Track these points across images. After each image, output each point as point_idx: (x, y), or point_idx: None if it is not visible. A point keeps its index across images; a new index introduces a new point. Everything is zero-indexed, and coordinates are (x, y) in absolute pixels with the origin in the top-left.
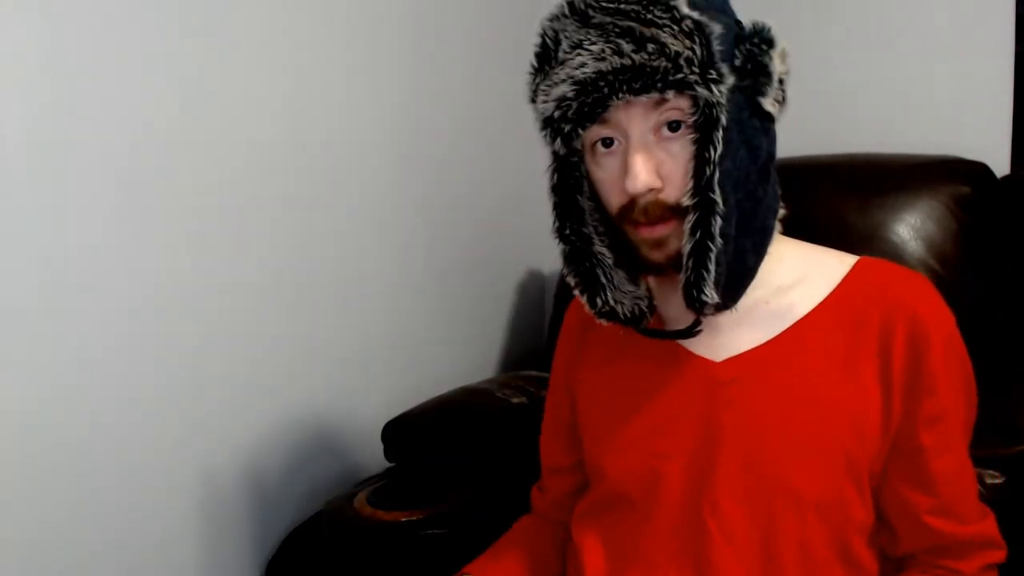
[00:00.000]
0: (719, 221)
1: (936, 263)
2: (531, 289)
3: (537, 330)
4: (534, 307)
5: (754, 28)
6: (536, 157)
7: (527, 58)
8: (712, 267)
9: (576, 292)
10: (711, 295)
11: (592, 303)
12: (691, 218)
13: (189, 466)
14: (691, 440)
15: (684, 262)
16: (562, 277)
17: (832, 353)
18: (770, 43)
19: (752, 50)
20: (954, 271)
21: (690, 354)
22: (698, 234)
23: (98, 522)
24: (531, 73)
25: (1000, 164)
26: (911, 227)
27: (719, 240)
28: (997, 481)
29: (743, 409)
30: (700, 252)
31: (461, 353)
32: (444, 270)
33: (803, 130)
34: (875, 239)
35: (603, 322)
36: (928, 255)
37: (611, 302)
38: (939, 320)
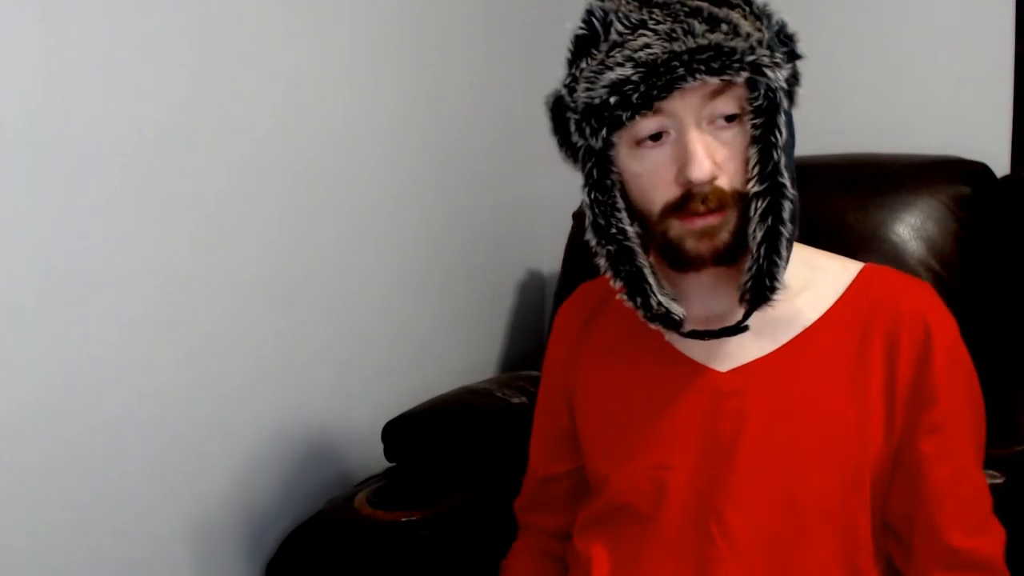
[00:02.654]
0: (789, 206)
1: (936, 263)
2: (531, 289)
3: (537, 330)
4: (534, 307)
5: (779, 22)
6: (536, 158)
7: (528, 58)
8: (785, 252)
9: (624, 297)
10: (782, 282)
11: (647, 306)
12: (761, 204)
13: (189, 466)
14: (696, 451)
15: (755, 251)
16: (562, 277)
17: (838, 363)
18: (794, 36)
19: (788, 41)
20: (954, 271)
21: (695, 363)
22: (770, 219)
23: (97, 522)
24: (570, 59)
25: (1000, 164)
26: (911, 227)
27: (790, 225)
28: (997, 481)
29: (748, 420)
30: (773, 238)
31: (461, 353)
32: (444, 270)
33: (803, 130)
34: (875, 239)
35: (656, 326)
36: (928, 255)
37: (665, 304)
38: (943, 329)
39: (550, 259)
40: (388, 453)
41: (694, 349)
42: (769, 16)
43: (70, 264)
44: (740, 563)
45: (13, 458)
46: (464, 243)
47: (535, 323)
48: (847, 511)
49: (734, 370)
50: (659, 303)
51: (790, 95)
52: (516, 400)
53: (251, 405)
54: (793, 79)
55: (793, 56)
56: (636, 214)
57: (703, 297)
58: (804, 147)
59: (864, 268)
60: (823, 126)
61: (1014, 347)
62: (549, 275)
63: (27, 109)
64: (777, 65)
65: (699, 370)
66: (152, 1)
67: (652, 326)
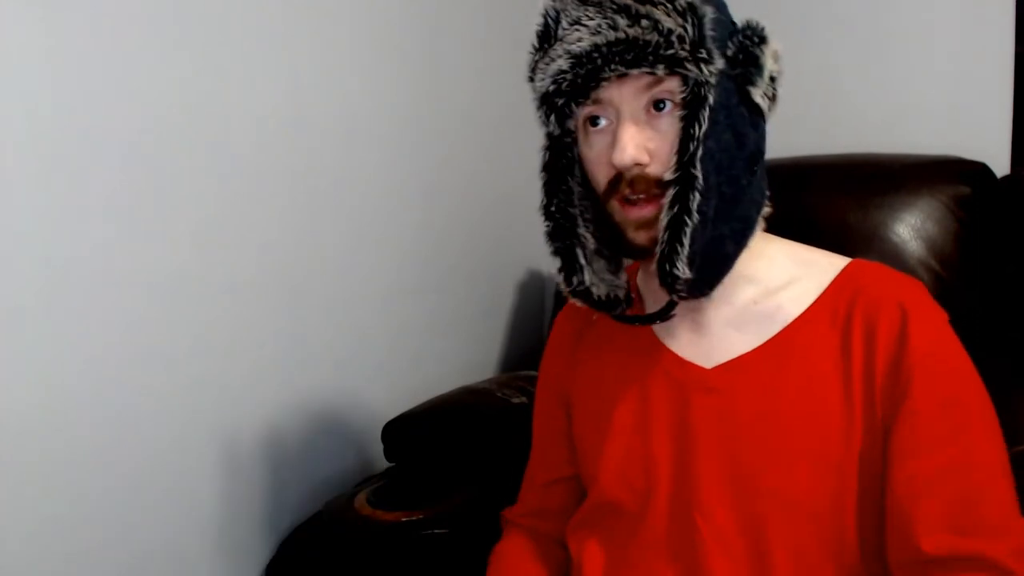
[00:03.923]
0: (698, 197)
1: (936, 263)
2: (531, 289)
3: (537, 330)
4: (534, 307)
5: (748, 24)
6: (537, 157)
7: (527, 57)
8: (687, 242)
9: (554, 270)
10: (683, 270)
11: (568, 281)
12: (671, 192)
13: (188, 467)
14: (681, 446)
15: (660, 236)
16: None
17: (822, 356)
18: (762, 39)
19: (744, 42)
20: (954, 271)
21: (681, 360)
22: (676, 208)
23: (97, 520)
24: (531, 52)
25: (1000, 164)
26: (911, 227)
27: (696, 216)
28: None
29: (733, 416)
30: (676, 226)
31: (461, 353)
32: (444, 270)
33: (803, 130)
34: (875, 239)
35: (577, 302)
36: (928, 255)
37: (586, 282)
38: (923, 318)
39: (550, 259)
40: (388, 453)
41: (681, 346)
42: (697, 12)
43: (70, 264)
44: (727, 555)
45: (14, 458)
46: (464, 243)
47: (535, 323)
48: (833, 505)
49: (719, 366)
50: (579, 280)
51: (740, 92)
52: (516, 400)
53: (251, 405)
54: (744, 77)
55: (750, 57)
56: (595, 198)
57: (656, 284)
58: (804, 147)
59: (850, 263)
60: (823, 126)
61: (1014, 347)
62: (549, 275)
63: (27, 109)
64: (704, 60)
65: (685, 367)
66: (153, 1)
67: (573, 301)
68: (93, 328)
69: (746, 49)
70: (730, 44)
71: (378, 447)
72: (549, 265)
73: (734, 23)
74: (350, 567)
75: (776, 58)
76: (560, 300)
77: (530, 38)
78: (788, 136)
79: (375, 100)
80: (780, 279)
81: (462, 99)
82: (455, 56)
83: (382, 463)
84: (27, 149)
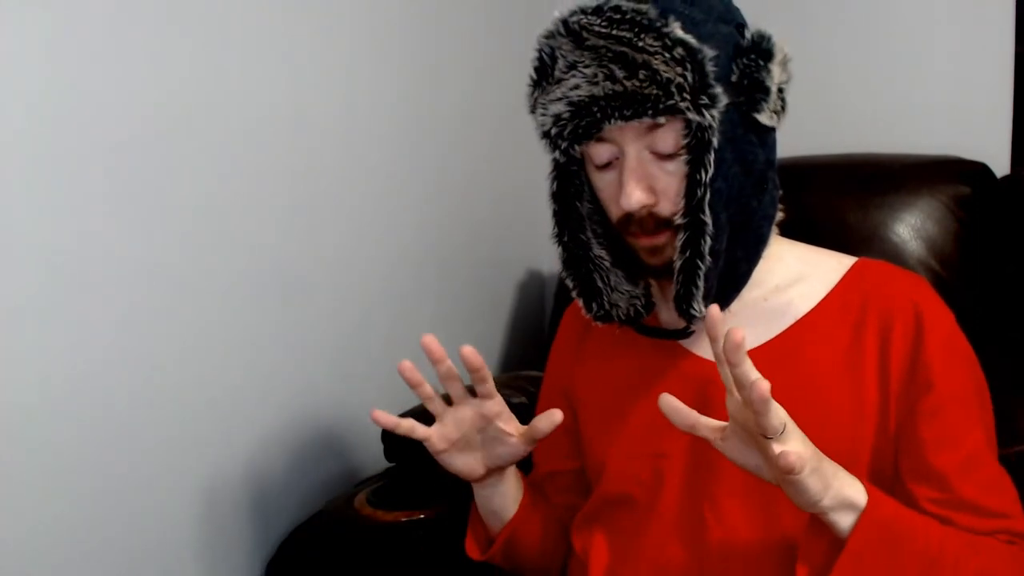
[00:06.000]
0: (709, 241)
1: (936, 263)
2: (531, 289)
3: (537, 330)
4: (534, 307)
5: (753, 40)
6: (536, 158)
7: (527, 59)
8: (701, 283)
9: (574, 295)
10: (699, 309)
11: (588, 307)
12: (682, 236)
13: (188, 466)
14: (689, 439)
15: (675, 276)
16: (562, 277)
17: (832, 352)
18: (768, 56)
19: (749, 66)
20: (954, 271)
21: (690, 354)
22: (688, 252)
23: (96, 522)
24: (530, 86)
25: (1000, 164)
26: (911, 227)
27: (708, 259)
28: None
29: None
30: (690, 269)
31: None
32: (444, 270)
33: (803, 130)
34: (875, 239)
35: (600, 324)
36: (928, 255)
37: (607, 306)
38: (936, 316)
39: (550, 259)
40: (388, 453)
41: (692, 342)
42: (696, 58)
43: (70, 264)
44: (736, 547)
45: (13, 458)
46: (464, 243)
47: (535, 323)
48: None
49: None
50: (599, 305)
51: (746, 119)
52: (516, 400)
53: (251, 405)
54: (751, 104)
55: (755, 83)
56: (605, 216)
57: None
58: (804, 147)
59: (857, 262)
60: (823, 126)
61: (1014, 347)
62: (549, 275)
63: (27, 108)
64: (706, 105)
65: (693, 360)
66: (152, 1)
67: (596, 324)
68: (93, 328)
69: (751, 75)
70: (734, 68)
71: (378, 447)
72: (549, 265)
73: (740, 29)
74: (350, 567)
75: (785, 64)
76: (560, 300)
77: (531, 39)
78: (788, 136)
79: (375, 100)
80: (788, 278)
81: (462, 99)
82: (455, 56)
83: (382, 463)
84: (27, 148)
